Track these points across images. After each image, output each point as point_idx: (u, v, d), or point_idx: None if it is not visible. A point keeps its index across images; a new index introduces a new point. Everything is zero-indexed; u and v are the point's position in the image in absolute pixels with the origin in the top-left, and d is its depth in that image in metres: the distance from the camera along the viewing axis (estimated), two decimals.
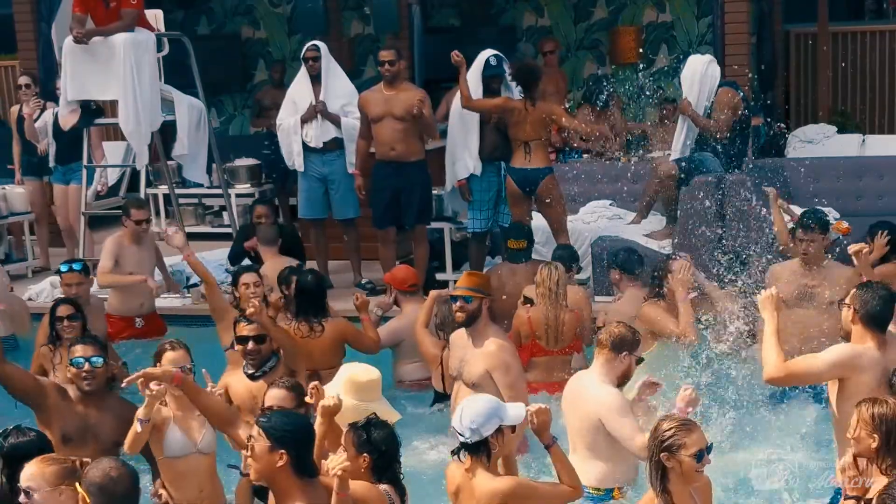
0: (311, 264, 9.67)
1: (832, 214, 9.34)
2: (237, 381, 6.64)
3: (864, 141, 12.34)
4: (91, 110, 10.79)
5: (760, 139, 11.87)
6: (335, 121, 10.33)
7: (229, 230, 11.44)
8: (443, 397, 7.66)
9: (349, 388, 5.27)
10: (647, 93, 12.04)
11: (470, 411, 4.91)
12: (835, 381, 5.70)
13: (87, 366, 5.97)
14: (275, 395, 5.56)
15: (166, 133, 11.22)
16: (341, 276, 10.64)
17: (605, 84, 12.10)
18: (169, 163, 11.43)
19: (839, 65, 13.56)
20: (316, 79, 10.41)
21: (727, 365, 7.23)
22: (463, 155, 9.83)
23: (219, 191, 11.88)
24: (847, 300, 5.80)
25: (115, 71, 10.16)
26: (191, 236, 9.58)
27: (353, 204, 10.44)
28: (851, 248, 6.94)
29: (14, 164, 11.93)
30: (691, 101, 9.71)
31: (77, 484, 4.28)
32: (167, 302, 9.88)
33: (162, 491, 5.87)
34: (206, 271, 7.99)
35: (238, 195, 12.09)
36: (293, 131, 10.43)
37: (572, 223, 10.06)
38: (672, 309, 7.24)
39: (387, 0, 13.27)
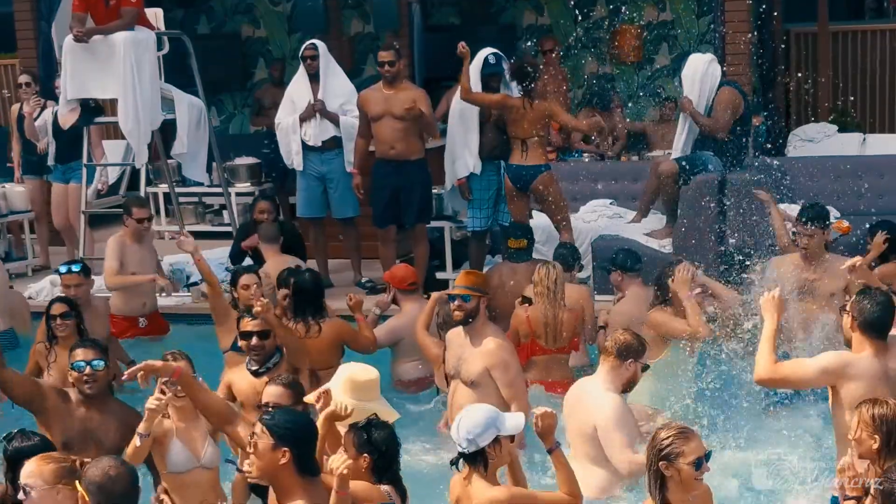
0: (311, 263, 9.67)
1: (833, 213, 9.34)
2: (241, 379, 6.64)
3: (864, 140, 12.34)
4: (90, 108, 10.78)
5: (761, 138, 11.87)
6: (334, 119, 10.32)
7: (229, 229, 11.44)
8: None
9: (348, 387, 5.27)
10: (648, 93, 12.05)
11: (467, 421, 4.91)
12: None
13: (88, 369, 5.94)
14: (272, 392, 5.56)
15: (166, 132, 11.21)
16: (342, 275, 10.64)
17: (606, 85, 12.12)
18: (169, 161, 11.42)
19: (839, 64, 13.55)
20: (314, 77, 10.41)
21: (741, 367, 7.16)
22: (463, 154, 9.82)
23: (219, 189, 11.88)
24: (847, 307, 5.76)
25: (115, 69, 10.16)
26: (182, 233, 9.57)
27: (351, 203, 10.43)
28: (844, 267, 6.84)
29: (13, 162, 11.93)
30: (692, 100, 9.72)
31: (77, 483, 4.28)
32: (169, 301, 9.88)
33: (164, 497, 5.86)
34: (212, 274, 7.98)
35: (238, 194, 12.09)
36: (292, 130, 10.43)
37: (572, 222, 10.05)
38: (679, 313, 7.19)
39: None
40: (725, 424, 6.90)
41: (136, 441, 5.58)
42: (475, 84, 9.62)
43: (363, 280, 10.38)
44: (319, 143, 10.37)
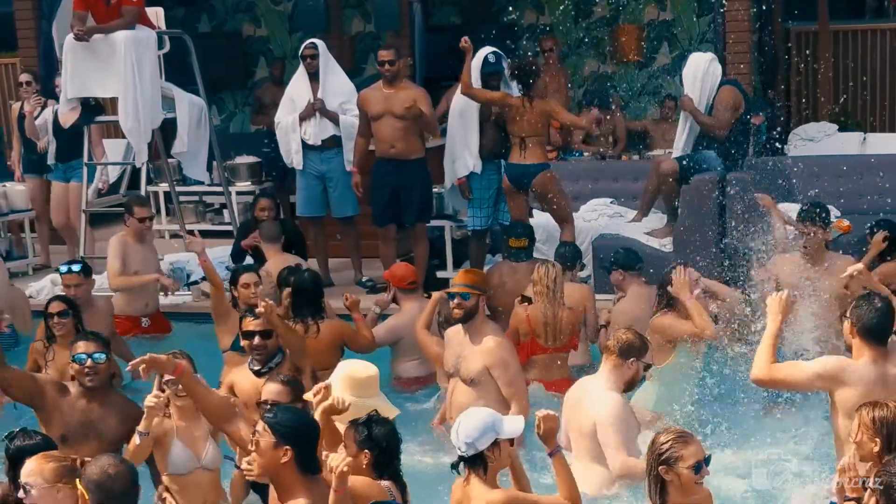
0: (311, 262, 9.67)
1: (833, 212, 9.33)
2: (243, 378, 6.62)
3: (864, 139, 12.35)
4: (91, 107, 10.78)
5: (761, 137, 11.87)
6: (333, 118, 10.32)
7: (230, 228, 11.43)
8: None
9: (347, 384, 5.27)
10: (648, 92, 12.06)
11: (466, 425, 4.91)
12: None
13: (89, 362, 5.94)
14: (271, 390, 5.56)
15: (167, 130, 11.20)
16: (342, 274, 10.63)
17: (606, 84, 12.12)
18: (169, 160, 11.42)
19: (840, 63, 13.55)
20: (314, 76, 10.40)
21: (745, 368, 7.13)
22: (463, 153, 9.82)
23: (219, 188, 11.87)
24: (847, 313, 5.73)
25: (116, 68, 10.15)
26: (190, 234, 9.57)
27: (351, 202, 10.42)
28: (843, 276, 6.82)
29: (13, 161, 11.93)
30: (693, 99, 9.72)
31: (77, 482, 4.28)
32: (170, 300, 9.88)
33: (166, 495, 5.85)
34: (217, 276, 7.97)
35: (238, 193, 12.08)
36: (291, 129, 10.43)
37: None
38: (683, 315, 7.17)
39: None
40: (730, 426, 6.88)
41: (135, 439, 5.58)
42: (475, 83, 9.62)
43: (363, 279, 10.38)
44: (319, 142, 10.36)
